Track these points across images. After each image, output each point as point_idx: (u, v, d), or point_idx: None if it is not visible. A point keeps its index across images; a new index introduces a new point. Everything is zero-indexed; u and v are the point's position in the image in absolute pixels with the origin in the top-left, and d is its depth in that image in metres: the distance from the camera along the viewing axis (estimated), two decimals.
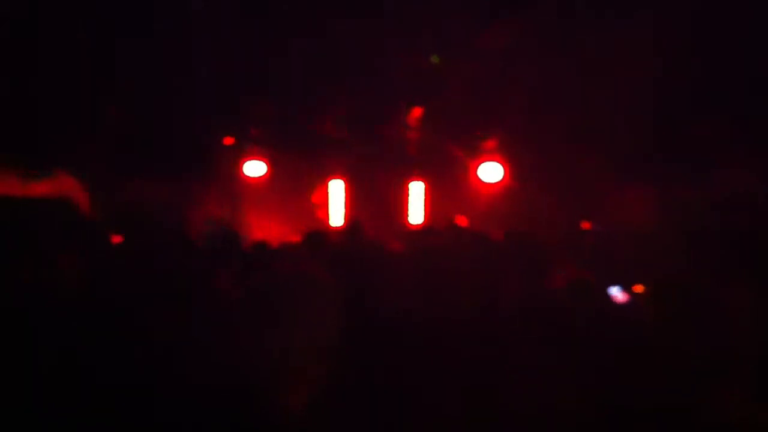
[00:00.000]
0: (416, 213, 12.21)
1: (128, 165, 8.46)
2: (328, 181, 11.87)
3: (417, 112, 11.29)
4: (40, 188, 8.42)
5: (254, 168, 11.27)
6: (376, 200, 11.92)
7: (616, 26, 6.81)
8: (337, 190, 11.96)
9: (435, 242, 4.68)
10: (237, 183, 11.40)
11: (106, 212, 10.04)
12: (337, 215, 11.80)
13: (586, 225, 10.06)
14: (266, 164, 11.34)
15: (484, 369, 3.07)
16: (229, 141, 9.32)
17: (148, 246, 6.82)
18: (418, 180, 12.16)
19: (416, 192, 12.22)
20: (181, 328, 3.31)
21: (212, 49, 7.82)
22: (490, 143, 11.29)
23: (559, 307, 3.38)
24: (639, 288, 3.60)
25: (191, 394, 2.83)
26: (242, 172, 11.24)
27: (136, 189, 10.92)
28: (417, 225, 11.72)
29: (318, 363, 2.67)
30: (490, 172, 11.77)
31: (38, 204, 8.73)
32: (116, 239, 6.81)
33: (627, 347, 2.92)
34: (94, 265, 5.71)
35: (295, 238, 7.12)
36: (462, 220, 11.63)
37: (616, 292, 3.39)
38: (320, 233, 6.48)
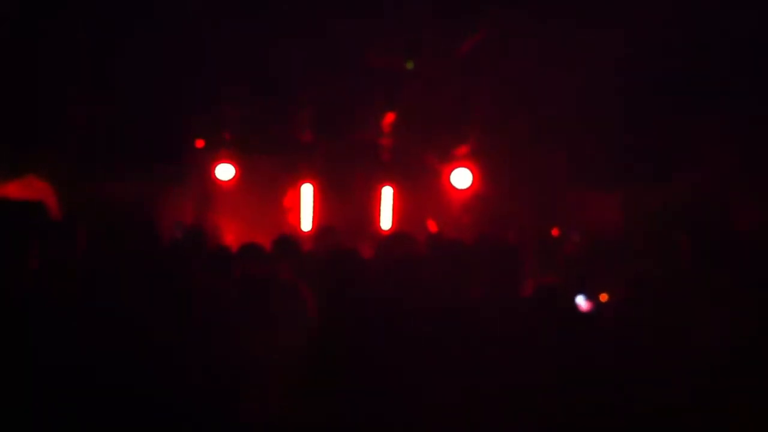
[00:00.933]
0: (386, 218, 12.24)
1: (99, 166, 8.40)
2: (299, 185, 11.86)
3: (389, 117, 11.33)
4: (10, 190, 8.35)
5: (224, 171, 11.24)
6: (346, 205, 11.93)
7: (584, 30, 6.89)
8: (307, 194, 11.96)
9: (404, 247, 4.70)
10: (208, 185, 11.37)
11: (76, 213, 9.98)
12: (307, 219, 11.80)
13: (555, 231, 10.16)
14: (235, 167, 11.31)
15: (451, 374, 3.11)
16: (200, 143, 9.30)
17: (118, 246, 6.83)
18: (388, 185, 12.20)
19: (386, 197, 12.26)
20: (149, 328, 3.31)
21: (184, 50, 7.81)
22: (461, 149, 11.35)
23: (527, 313, 3.43)
24: (604, 296, 3.66)
25: (159, 393, 2.85)
26: (213, 174, 11.21)
27: (106, 190, 10.86)
28: (387, 230, 11.75)
29: (287, 365, 2.69)
30: (461, 177, 11.83)
31: (8, 206, 8.68)
32: (84, 239, 6.78)
33: (590, 352, 2.98)
34: (64, 266, 5.70)
35: (264, 241, 7.12)
36: (432, 226, 11.71)
37: (582, 301, 3.44)
38: (289, 237, 6.49)
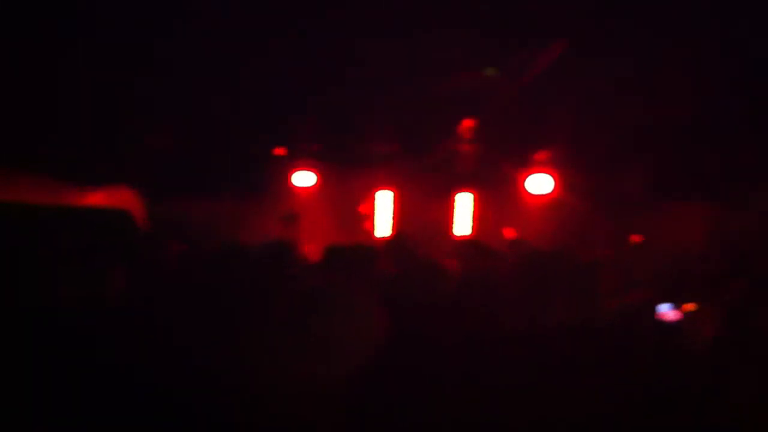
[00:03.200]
0: (464, 225, 12.20)
1: (180, 178, 8.61)
2: (376, 192, 11.92)
3: (468, 123, 11.30)
4: (99, 198, 8.62)
5: (304, 178, 11.37)
6: (424, 211, 11.94)
7: (661, 43, 6.73)
8: (385, 201, 12.01)
9: (484, 259, 4.68)
10: (287, 193, 11.53)
11: (161, 224, 10.24)
12: (384, 226, 11.85)
13: (635, 239, 9.97)
14: (316, 175, 11.44)
15: (529, 388, 3.07)
16: (279, 152, 9.43)
17: (203, 257, 6.97)
18: (466, 191, 12.16)
19: (464, 203, 12.21)
20: (233, 339, 3.37)
21: (262, 64, 7.93)
22: (540, 155, 11.25)
23: (610, 329, 3.37)
24: (690, 306, 3.57)
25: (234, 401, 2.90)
26: (291, 182, 11.36)
27: (189, 202, 11.11)
28: (464, 236, 11.71)
29: (352, 376, 2.70)
30: (539, 184, 11.72)
31: (97, 214, 8.96)
32: (173, 250, 6.97)
33: (679, 369, 2.91)
34: (148, 276, 5.85)
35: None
36: (510, 232, 11.61)
37: (667, 311, 3.36)
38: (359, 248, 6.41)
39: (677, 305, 3.38)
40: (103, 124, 7.82)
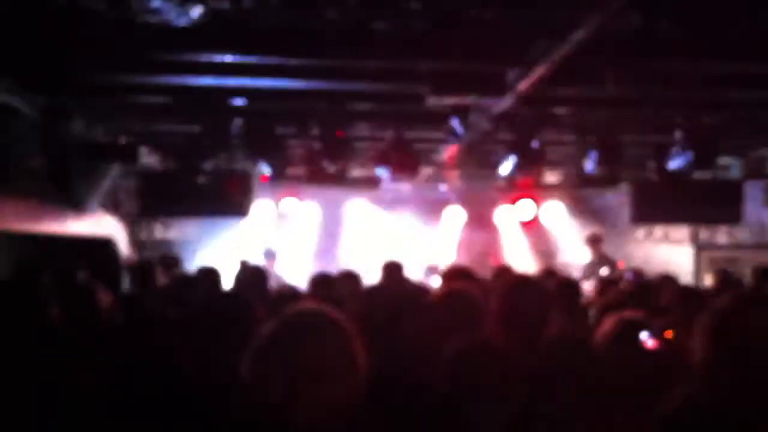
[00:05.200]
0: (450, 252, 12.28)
1: (162, 204, 8.59)
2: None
3: (452, 150, 11.35)
4: (81, 227, 8.58)
5: (290, 205, 11.37)
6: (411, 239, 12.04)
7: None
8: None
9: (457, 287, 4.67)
10: (274, 219, 11.54)
11: (144, 250, 10.23)
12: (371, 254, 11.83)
13: (621, 264, 10.02)
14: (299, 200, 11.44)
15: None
16: (264, 179, 9.40)
17: (184, 283, 6.96)
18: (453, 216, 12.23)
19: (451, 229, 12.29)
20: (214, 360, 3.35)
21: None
22: (523, 182, 11.22)
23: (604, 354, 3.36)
24: (669, 333, 3.56)
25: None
26: (278, 208, 11.36)
27: (171, 226, 11.12)
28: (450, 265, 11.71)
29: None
30: (525, 210, 11.77)
31: (80, 242, 8.94)
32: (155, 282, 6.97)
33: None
34: (133, 300, 5.84)
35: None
36: (495, 259, 11.66)
37: (646, 338, 3.35)
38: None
39: (656, 332, 3.37)
40: (82, 154, 7.81)
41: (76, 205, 8.23)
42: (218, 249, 11.11)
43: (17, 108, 6.45)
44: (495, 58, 5.92)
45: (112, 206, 9.46)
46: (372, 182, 10.02)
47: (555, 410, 3.15)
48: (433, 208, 12.33)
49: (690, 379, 2.77)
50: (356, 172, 9.98)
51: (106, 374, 3.49)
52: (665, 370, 3.22)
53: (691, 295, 5.28)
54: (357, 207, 12.18)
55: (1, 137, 6.62)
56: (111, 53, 5.73)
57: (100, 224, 9.03)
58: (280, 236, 11.61)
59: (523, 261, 11.82)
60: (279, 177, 9.01)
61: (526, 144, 7.97)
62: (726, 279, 7.31)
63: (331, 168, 8.38)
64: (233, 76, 6.29)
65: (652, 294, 5.81)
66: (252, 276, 6.07)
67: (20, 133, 6.76)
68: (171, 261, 8.00)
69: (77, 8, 5.07)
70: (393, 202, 12.17)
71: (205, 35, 5.42)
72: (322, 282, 5.93)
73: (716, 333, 2.73)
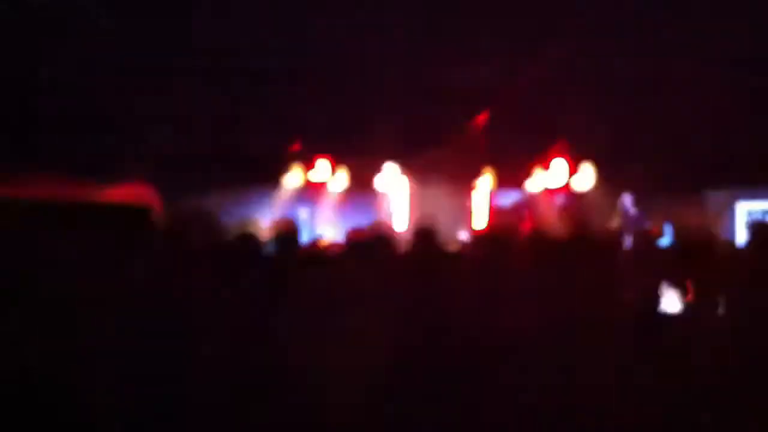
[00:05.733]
0: (481, 217, 12.22)
1: (197, 174, 8.68)
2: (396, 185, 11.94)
3: (482, 117, 11.30)
4: (117, 194, 8.69)
5: (320, 173, 11.40)
6: (441, 205, 11.97)
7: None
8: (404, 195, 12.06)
9: (501, 246, 4.67)
10: (304, 187, 11.59)
11: (178, 219, 10.27)
12: (402, 219, 11.86)
13: (655, 230, 9.94)
14: (332, 168, 11.46)
15: (554, 375, 3.08)
16: (295, 148, 9.47)
17: (214, 249, 7.02)
18: (482, 183, 12.17)
19: (480, 197, 12.23)
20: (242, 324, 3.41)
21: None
22: (555, 147, 11.21)
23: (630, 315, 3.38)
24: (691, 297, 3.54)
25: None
26: (308, 177, 11.41)
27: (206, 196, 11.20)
28: (481, 230, 11.69)
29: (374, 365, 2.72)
30: (554, 176, 11.71)
31: (117, 210, 9.04)
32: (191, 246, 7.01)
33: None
34: (166, 267, 5.90)
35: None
36: (526, 224, 11.62)
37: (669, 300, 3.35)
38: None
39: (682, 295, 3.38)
40: (121, 125, 7.90)
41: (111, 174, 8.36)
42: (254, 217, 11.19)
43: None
44: None
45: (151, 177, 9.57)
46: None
47: None
48: (463, 175, 12.28)
49: None
50: None
51: None
52: None
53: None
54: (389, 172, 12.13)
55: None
56: None
57: (137, 194, 9.14)
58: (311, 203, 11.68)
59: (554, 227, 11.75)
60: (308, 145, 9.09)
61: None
62: None
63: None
64: None
65: None
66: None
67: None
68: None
69: None
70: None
71: None
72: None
73: None
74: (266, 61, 7.99)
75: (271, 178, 8.77)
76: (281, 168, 8.84)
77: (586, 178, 12.29)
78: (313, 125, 9.71)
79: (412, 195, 12.12)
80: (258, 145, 9.07)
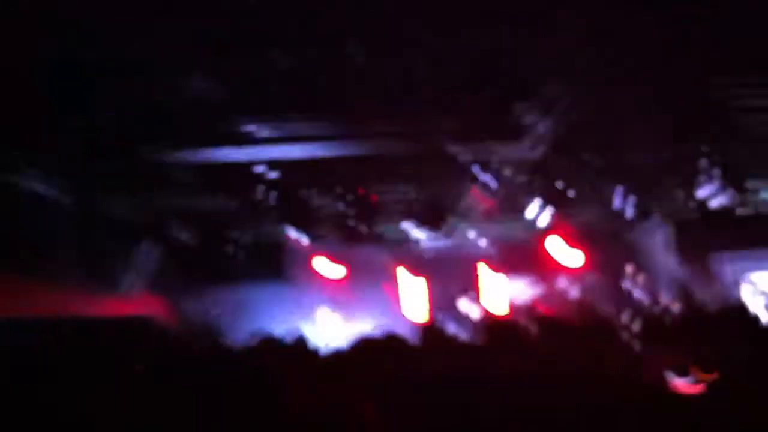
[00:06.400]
0: (497, 303, 12.01)
1: (201, 276, 8.63)
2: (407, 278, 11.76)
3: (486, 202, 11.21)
4: (120, 308, 8.61)
5: (328, 268, 11.24)
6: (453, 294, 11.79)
7: None
8: (417, 287, 11.85)
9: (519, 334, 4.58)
10: (313, 282, 11.41)
11: (185, 325, 10.19)
12: (418, 311, 11.64)
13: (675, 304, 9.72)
14: (343, 265, 11.31)
15: None
16: (296, 243, 9.38)
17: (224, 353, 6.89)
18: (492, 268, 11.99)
19: (491, 281, 12.04)
20: None
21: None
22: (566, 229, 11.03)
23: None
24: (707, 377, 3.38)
25: None
26: (315, 270, 11.22)
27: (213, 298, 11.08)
28: (500, 315, 11.47)
29: None
30: (571, 256, 11.52)
31: (120, 323, 8.95)
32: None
33: None
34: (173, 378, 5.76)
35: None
36: (541, 308, 11.37)
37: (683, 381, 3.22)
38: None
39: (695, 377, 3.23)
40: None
41: (113, 286, 8.30)
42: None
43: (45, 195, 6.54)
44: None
45: (155, 284, 9.49)
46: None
47: None
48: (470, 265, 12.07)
49: None
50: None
51: None
52: None
53: None
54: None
55: (31, 225, 6.70)
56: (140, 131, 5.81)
57: (142, 304, 9.06)
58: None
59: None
60: (311, 240, 9.02)
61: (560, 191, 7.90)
62: None
63: (362, 228, 8.39)
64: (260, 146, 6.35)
65: None
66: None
67: (50, 218, 6.85)
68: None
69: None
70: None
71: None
72: None
73: None
74: None
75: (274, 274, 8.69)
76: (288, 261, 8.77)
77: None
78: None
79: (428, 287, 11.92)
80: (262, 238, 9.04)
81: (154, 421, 4.00)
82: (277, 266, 8.84)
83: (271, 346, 6.36)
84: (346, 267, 11.49)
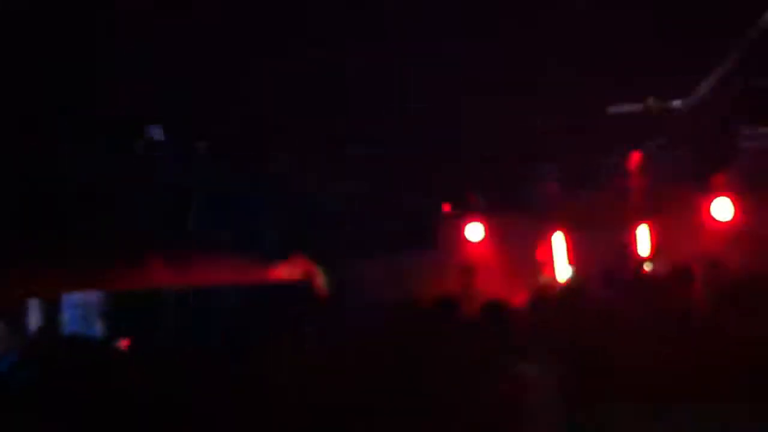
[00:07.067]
0: (645, 255, 11.80)
1: (353, 244, 8.98)
2: (550, 235, 11.77)
3: (636, 156, 11.06)
4: (280, 272, 9.13)
5: (474, 231, 11.42)
6: (601, 249, 11.66)
7: None
8: (559, 244, 11.84)
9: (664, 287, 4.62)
10: (460, 248, 11.60)
11: (339, 289, 10.63)
12: (562, 269, 11.65)
13: None
14: (485, 226, 11.45)
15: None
16: (447, 208, 9.60)
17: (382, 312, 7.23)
18: (643, 223, 11.78)
19: (643, 236, 11.83)
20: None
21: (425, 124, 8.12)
22: (720, 180, 10.75)
23: None
24: None
25: None
26: (464, 236, 11.44)
27: (363, 266, 11.44)
28: (646, 269, 11.29)
29: None
30: (722, 209, 11.18)
31: (282, 287, 9.48)
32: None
33: None
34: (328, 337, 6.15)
35: (522, 295, 7.19)
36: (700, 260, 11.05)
37: None
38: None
39: None
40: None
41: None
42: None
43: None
44: None
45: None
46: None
47: None
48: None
49: None
50: None
51: None
52: None
53: None
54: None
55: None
56: None
57: (297, 269, 9.55)
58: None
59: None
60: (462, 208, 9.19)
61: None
62: None
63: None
64: None
65: None
66: None
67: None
68: None
69: None
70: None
71: None
72: None
73: None
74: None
75: (424, 241, 8.93)
76: (435, 230, 8.99)
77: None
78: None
79: (568, 243, 11.87)
80: (412, 207, 9.28)
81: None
82: (430, 234, 9.07)
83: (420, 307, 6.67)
84: (495, 232, 11.77)
